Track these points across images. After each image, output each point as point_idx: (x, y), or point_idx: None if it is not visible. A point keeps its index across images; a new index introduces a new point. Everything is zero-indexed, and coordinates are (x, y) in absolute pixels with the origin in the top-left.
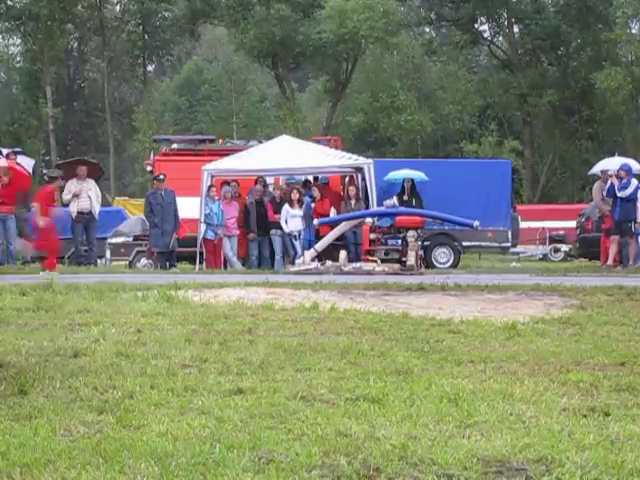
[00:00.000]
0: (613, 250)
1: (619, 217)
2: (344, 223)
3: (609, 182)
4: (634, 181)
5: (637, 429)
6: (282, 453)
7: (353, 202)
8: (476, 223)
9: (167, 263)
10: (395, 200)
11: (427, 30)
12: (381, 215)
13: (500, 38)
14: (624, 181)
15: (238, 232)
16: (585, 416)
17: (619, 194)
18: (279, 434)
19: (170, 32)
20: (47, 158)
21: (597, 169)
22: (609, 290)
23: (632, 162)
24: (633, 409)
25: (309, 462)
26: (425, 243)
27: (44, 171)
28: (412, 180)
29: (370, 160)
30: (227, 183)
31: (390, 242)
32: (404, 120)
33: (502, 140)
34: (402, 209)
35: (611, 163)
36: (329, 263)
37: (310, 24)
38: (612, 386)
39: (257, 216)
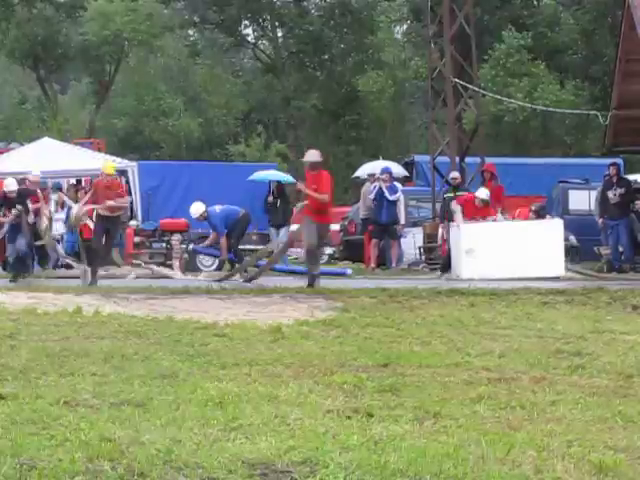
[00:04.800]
0: (374, 253)
1: (386, 220)
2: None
3: (375, 186)
4: (399, 184)
5: (400, 429)
6: (45, 459)
7: None
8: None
9: None
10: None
11: (191, 33)
12: None
13: (264, 41)
14: (390, 185)
15: None
16: (349, 417)
17: (391, 198)
18: (42, 440)
19: None
20: None
21: (361, 172)
22: (372, 292)
23: (394, 165)
24: (396, 410)
25: (72, 468)
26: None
27: None
28: (278, 182)
29: (134, 163)
30: None
31: (155, 245)
32: (171, 125)
33: (269, 143)
34: None
35: (377, 166)
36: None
37: (73, 25)
38: (375, 387)
39: None
